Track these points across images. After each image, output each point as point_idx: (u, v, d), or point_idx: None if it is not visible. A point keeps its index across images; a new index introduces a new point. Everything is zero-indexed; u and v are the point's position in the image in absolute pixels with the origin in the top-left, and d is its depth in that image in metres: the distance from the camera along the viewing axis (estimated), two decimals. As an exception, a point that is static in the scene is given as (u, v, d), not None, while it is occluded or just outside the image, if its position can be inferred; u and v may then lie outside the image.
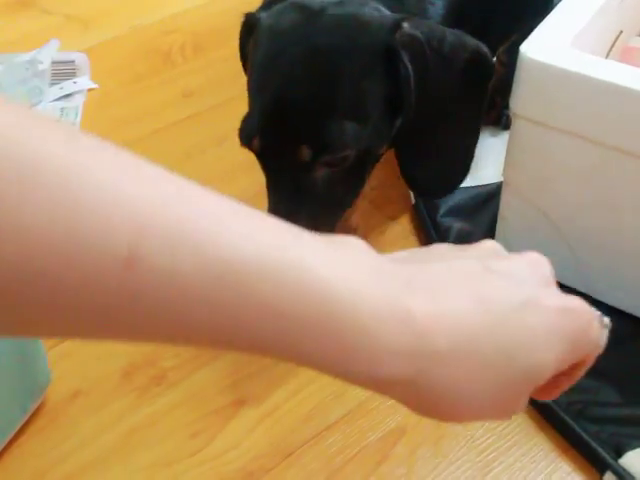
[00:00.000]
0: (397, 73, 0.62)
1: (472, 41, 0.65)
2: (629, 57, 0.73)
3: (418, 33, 0.63)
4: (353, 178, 0.65)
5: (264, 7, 0.68)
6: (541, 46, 0.59)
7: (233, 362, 0.67)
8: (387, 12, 0.65)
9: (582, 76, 0.57)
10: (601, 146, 0.59)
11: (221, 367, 0.67)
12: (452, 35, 0.65)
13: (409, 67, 0.62)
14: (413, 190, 0.75)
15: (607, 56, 0.72)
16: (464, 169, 0.69)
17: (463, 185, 0.79)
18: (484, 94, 0.67)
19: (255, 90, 0.64)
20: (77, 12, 1.13)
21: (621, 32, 0.74)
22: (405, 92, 0.62)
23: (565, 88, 0.58)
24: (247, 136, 0.63)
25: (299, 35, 0.62)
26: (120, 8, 1.15)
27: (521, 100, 0.62)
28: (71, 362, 0.68)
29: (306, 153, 0.61)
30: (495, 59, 0.81)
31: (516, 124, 0.65)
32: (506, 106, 0.69)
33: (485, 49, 0.66)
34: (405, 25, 0.62)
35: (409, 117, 0.63)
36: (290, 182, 0.62)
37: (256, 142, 0.63)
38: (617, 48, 0.73)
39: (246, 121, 0.64)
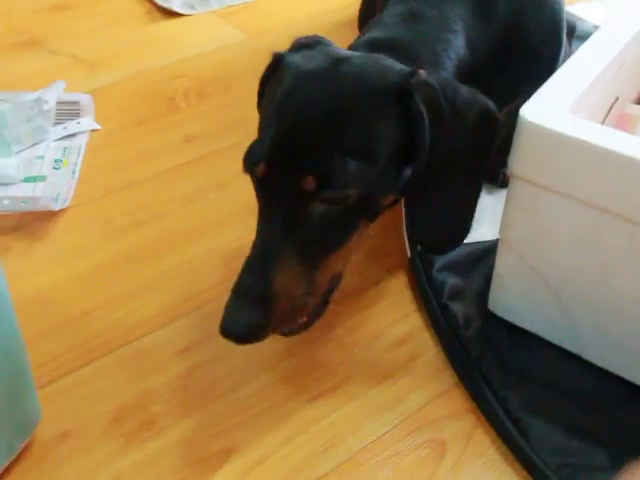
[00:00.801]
0: (411, 118, 0.63)
1: (483, 98, 0.67)
2: (624, 123, 0.75)
3: (434, 81, 0.64)
4: (349, 222, 0.65)
5: (293, 50, 0.70)
6: (540, 110, 0.61)
7: (224, 408, 0.67)
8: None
9: (578, 141, 0.58)
10: (595, 209, 0.60)
11: (212, 413, 0.67)
12: (465, 89, 0.66)
13: (423, 111, 0.63)
14: (420, 245, 0.75)
15: (604, 121, 0.74)
16: (468, 224, 0.70)
17: (459, 241, 0.80)
18: (489, 151, 0.68)
19: (269, 120, 0.65)
20: (84, 53, 1.16)
21: (617, 99, 0.76)
22: (419, 136, 0.63)
23: (562, 152, 0.59)
24: (253, 161, 0.64)
25: (320, 75, 0.64)
26: (126, 52, 1.17)
27: (519, 161, 0.63)
28: (61, 402, 0.68)
29: (311, 183, 0.61)
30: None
31: (514, 184, 0.66)
32: (504, 165, 0.70)
33: (494, 107, 0.67)
34: (421, 72, 0.64)
35: (420, 166, 0.64)
36: (285, 213, 0.62)
37: (261, 167, 0.63)
38: (613, 114, 0.75)
39: (254, 147, 0.65)
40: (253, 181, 0.65)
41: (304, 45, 0.70)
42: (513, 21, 0.77)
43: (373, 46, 0.70)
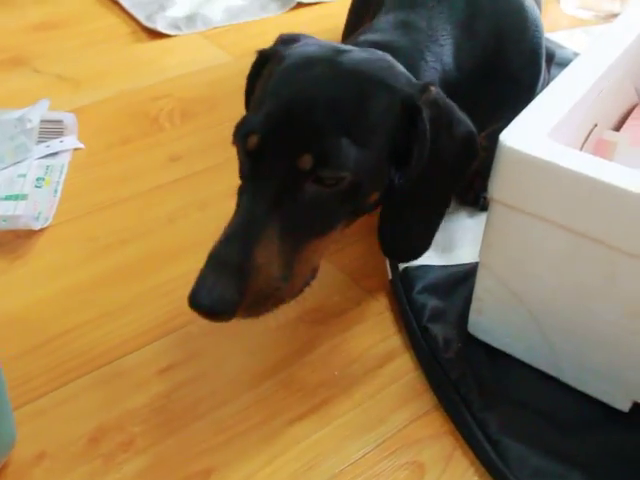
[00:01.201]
0: (413, 130, 0.64)
1: (468, 121, 0.68)
2: (602, 149, 0.76)
3: (441, 101, 0.66)
4: (337, 209, 0.64)
5: (280, 44, 0.70)
6: (520, 136, 0.61)
7: (205, 429, 0.67)
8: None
9: (556, 166, 0.59)
10: (573, 234, 0.61)
11: (192, 434, 0.67)
12: (459, 111, 0.67)
13: (427, 129, 0.64)
14: (382, 250, 0.73)
15: (582, 147, 0.75)
16: (431, 238, 0.71)
17: (439, 264, 0.81)
18: (465, 173, 0.69)
19: (265, 97, 0.63)
20: (68, 73, 1.16)
21: (596, 125, 0.77)
22: (417, 150, 0.64)
23: (540, 177, 0.60)
24: (246, 131, 0.62)
25: (325, 58, 0.64)
26: (111, 71, 1.18)
27: (498, 185, 0.64)
28: (38, 423, 0.67)
29: (307, 162, 0.60)
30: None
31: (493, 207, 0.66)
32: (484, 188, 0.71)
33: (476, 135, 0.68)
34: (432, 89, 0.65)
35: (410, 176, 0.65)
36: (274, 189, 0.60)
37: (253, 139, 0.61)
38: (592, 140, 0.76)
39: (248, 118, 0.63)
40: (240, 154, 0.63)
41: (290, 40, 0.69)
42: (494, 46, 0.79)
43: (371, 46, 0.70)
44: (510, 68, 0.81)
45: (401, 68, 0.68)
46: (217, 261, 0.59)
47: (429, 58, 0.73)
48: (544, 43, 0.85)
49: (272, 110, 0.61)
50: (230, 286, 0.57)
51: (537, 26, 0.82)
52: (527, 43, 0.82)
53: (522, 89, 0.83)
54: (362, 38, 0.74)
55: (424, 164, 0.65)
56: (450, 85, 0.74)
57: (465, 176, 0.70)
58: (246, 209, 0.61)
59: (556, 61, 1.08)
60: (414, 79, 0.68)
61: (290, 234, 0.61)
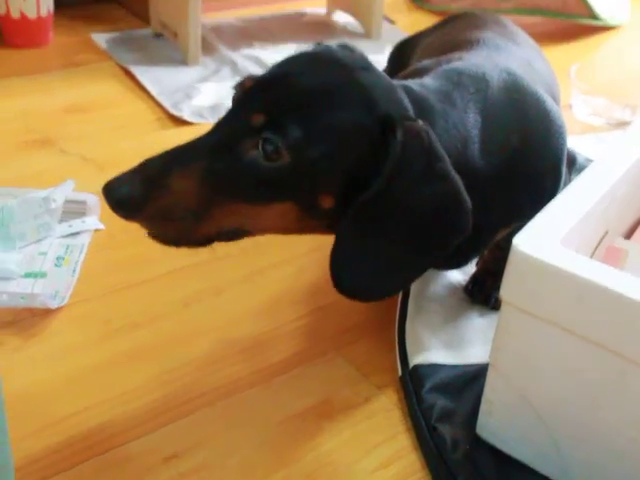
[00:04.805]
0: (383, 149, 0.65)
1: (460, 185, 0.68)
2: (613, 256, 0.78)
3: (427, 136, 0.66)
4: (275, 189, 0.66)
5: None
6: (532, 241, 0.63)
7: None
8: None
9: (567, 273, 0.60)
10: (584, 341, 0.61)
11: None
12: (449, 164, 0.67)
13: (397, 151, 0.65)
14: (333, 280, 0.70)
15: (593, 254, 0.76)
16: (389, 285, 0.71)
17: (450, 362, 0.81)
18: (442, 234, 0.69)
19: (279, 63, 0.69)
20: (94, 155, 1.19)
21: (607, 232, 0.78)
22: (384, 166, 0.65)
23: (552, 283, 0.61)
24: (246, 79, 0.68)
25: (346, 64, 0.69)
26: (135, 155, 1.18)
27: (510, 288, 0.65)
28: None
29: (259, 119, 0.64)
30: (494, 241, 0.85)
31: (504, 309, 0.67)
32: (496, 288, 0.71)
33: (467, 201, 0.68)
34: (422, 123, 0.67)
35: (368, 195, 0.65)
36: (221, 136, 0.65)
37: (246, 83, 0.67)
38: (602, 247, 0.78)
39: (251, 75, 0.69)
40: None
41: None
42: (519, 147, 0.78)
43: (404, 88, 0.72)
44: (532, 172, 0.81)
45: (403, 97, 0.69)
46: (141, 167, 0.65)
47: (453, 133, 0.73)
48: (566, 150, 0.86)
49: (272, 71, 0.68)
50: (138, 189, 0.63)
51: (561, 133, 0.83)
52: (551, 149, 0.82)
53: (541, 194, 0.81)
54: (400, 82, 0.75)
55: (383, 188, 0.65)
56: (469, 173, 0.72)
57: (442, 245, 0.69)
58: (193, 141, 0.67)
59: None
60: (411, 111, 0.69)
61: (216, 181, 0.65)
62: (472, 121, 0.75)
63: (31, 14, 1.51)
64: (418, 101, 0.72)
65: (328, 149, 0.65)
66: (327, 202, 0.68)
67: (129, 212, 0.64)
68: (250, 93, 0.67)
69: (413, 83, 0.75)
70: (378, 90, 0.68)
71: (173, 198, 0.64)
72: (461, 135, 0.73)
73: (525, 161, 0.79)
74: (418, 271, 0.71)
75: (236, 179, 0.65)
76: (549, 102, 0.83)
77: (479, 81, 0.78)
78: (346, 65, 0.69)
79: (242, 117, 0.66)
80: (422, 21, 1.79)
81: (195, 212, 0.65)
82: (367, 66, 0.70)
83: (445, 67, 0.80)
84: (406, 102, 0.70)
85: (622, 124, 1.41)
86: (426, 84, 0.76)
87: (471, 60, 0.83)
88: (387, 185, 0.65)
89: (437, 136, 0.69)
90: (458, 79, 0.77)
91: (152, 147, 1.22)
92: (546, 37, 1.78)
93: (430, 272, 0.95)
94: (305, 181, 0.66)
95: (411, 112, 0.69)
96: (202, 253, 0.98)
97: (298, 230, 0.72)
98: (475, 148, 0.75)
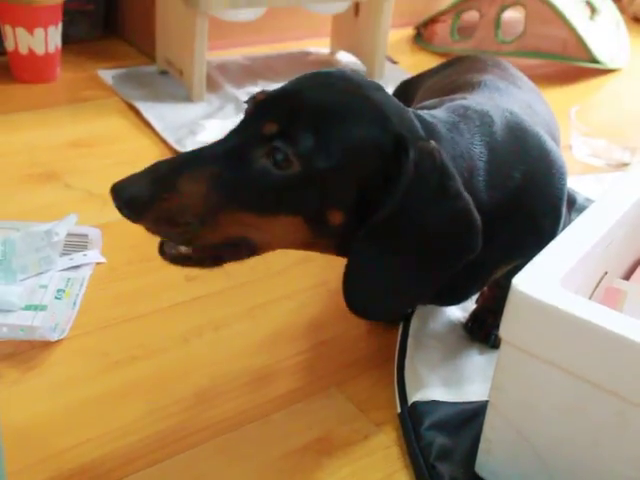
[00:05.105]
0: (394, 169, 0.66)
1: (472, 207, 0.68)
2: (611, 297, 0.78)
3: (440, 157, 0.67)
4: (284, 199, 0.66)
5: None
6: (532, 281, 0.63)
7: None
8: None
9: (566, 314, 0.60)
10: (582, 381, 0.61)
11: None
12: (460, 184, 0.68)
13: (409, 170, 0.65)
14: (345, 300, 0.70)
15: (592, 294, 0.76)
16: (397, 304, 0.71)
17: (448, 400, 0.81)
18: (453, 254, 0.69)
19: (294, 80, 0.70)
20: (98, 189, 1.20)
21: (606, 273, 0.79)
22: (395, 185, 0.65)
23: (551, 323, 0.62)
24: (259, 92, 0.69)
25: (360, 85, 0.70)
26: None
27: (509, 327, 0.65)
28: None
29: (271, 128, 0.64)
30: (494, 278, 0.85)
31: (503, 348, 0.67)
32: (496, 326, 0.71)
33: (478, 227, 0.68)
34: (434, 143, 0.67)
35: (380, 215, 0.65)
36: (233, 144, 0.65)
37: (259, 97, 0.68)
38: (601, 287, 0.78)
39: (265, 90, 0.70)
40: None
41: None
42: (521, 185, 0.79)
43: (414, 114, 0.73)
44: (533, 210, 0.81)
45: (414, 119, 0.70)
46: (151, 169, 0.65)
47: (460, 162, 0.73)
48: (567, 190, 0.87)
49: (285, 87, 0.69)
50: (146, 189, 0.63)
51: (562, 174, 0.83)
52: (552, 189, 0.82)
53: (541, 233, 0.81)
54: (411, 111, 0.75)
55: (397, 206, 0.65)
56: (474, 203, 0.72)
57: (453, 261, 0.70)
58: (204, 147, 0.66)
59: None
60: (422, 132, 0.70)
61: (224, 186, 0.65)
62: (478, 153, 0.76)
63: (39, 50, 1.53)
64: (427, 127, 0.72)
65: (339, 162, 0.65)
66: (336, 218, 0.68)
67: (135, 212, 0.64)
68: (263, 105, 0.68)
69: (422, 112, 0.76)
70: (391, 109, 0.69)
71: (181, 201, 0.64)
72: (467, 164, 0.74)
73: (527, 198, 0.80)
74: (429, 288, 0.71)
75: (245, 186, 0.65)
76: (550, 143, 0.84)
77: (484, 116, 0.79)
78: (360, 84, 0.70)
79: (254, 126, 0.66)
80: (425, 62, 1.82)
81: (201, 217, 0.65)
82: (380, 87, 0.72)
83: (450, 103, 0.81)
84: (417, 124, 0.71)
85: (622, 165, 1.42)
86: (434, 114, 0.77)
87: (475, 100, 0.84)
88: (401, 203, 0.66)
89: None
90: (464, 112, 0.79)
91: (155, 182, 1.24)
92: (546, 79, 1.80)
93: (430, 308, 0.95)
94: (314, 193, 0.66)
95: (422, 133, 0.70)
96: (200, 288, 1.00)
97: (306, 247, 0.72)
98: (480, 180, 0.75)
